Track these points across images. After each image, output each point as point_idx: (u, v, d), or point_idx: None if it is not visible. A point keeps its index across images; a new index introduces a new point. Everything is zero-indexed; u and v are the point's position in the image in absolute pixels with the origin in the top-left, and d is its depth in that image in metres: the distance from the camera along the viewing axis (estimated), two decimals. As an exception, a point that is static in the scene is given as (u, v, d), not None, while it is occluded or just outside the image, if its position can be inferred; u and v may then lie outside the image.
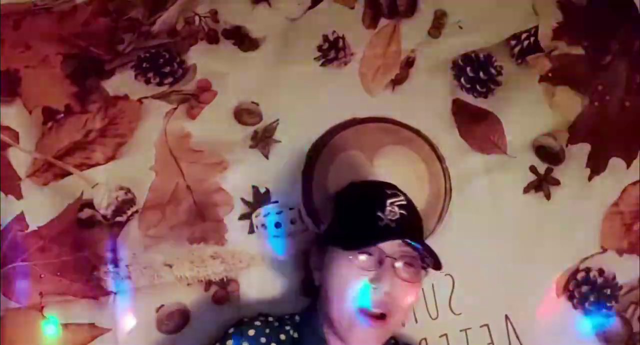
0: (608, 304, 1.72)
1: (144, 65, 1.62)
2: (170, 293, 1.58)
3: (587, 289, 1.70)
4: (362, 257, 1.32)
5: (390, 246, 1.33)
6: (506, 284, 1.67)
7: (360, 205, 1.40)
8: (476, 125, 1.73)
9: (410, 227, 1.37)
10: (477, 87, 1.74)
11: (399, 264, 1.33)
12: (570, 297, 1.70)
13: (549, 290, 1.70)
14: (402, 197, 1.39)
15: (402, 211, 1.36)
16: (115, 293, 1.56)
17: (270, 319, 1.43)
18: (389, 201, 1.36)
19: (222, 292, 1.60)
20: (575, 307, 1.70)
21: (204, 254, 1.60)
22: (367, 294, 1.31)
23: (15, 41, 1.59)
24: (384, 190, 1.40)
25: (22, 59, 1.58)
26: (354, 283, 1.32)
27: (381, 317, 1.31)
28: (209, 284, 1.60)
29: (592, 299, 1.70)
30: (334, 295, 1.35)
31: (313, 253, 1.46)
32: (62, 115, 1.58)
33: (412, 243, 1.33)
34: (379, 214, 1.34)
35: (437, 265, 1.35)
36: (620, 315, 1.73)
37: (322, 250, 1.40)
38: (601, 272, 1.72)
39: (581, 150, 1.75)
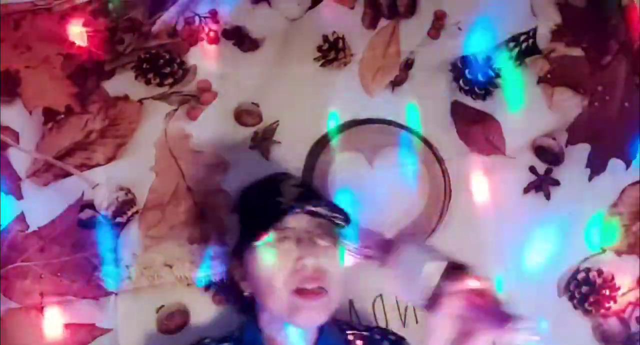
0: (606, 305, 1.73)
1: (144, 66, 1.61)
2: (171, 293, 1.58)
3: (587, 289, 1.71)
4: (280, 245, 1.32)
5: (301, 223, 1.34)
6: (506, 284, 1.68)
7: (259, 201, 1.41)
8: (475, 126, 1.73)
9: (311, 197, 1.40)
10: (476, 89, 1.74)
11: (316, 237, 1.34)
12: (571, 298, 1.71)
13: (550, 291, 1.71)
14: (295, 177, 1.44)
15: (300, 189, 1.39)
16: (115, 293, 1.56)
17: (207, 341, 1.42)
18: (282, 185, 1.39)
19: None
20: (576, 307, 1.71)
21: (204, 254, 1.60)
22: (296, 275, 1.31)
23: (15, 41, 1.58)
24: (275, 177, 1.44)
25: (23, 59, 1.58)
26: (280, 270, 1.31)
27: (319, 290, 1.31)
28: (209, 284, 1.60)
29: (591, 299, 1.71)
30: (266, 291, 1.34)
31: (233, 267, 1.44)
32: (62, 115, 1.58)
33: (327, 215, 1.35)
34: (278, 199, 1.35)
35: (347, 220, 1.38)
36: (619, 315, 1.74)
37: (241, 260, 1.39)
38: (600, 272, 1.73)
39: (581, 151, 1.76)
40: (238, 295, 1.43)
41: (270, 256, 1.33)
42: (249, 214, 1.44)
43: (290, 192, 1.37)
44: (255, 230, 1.34)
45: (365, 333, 1.47)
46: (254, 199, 1.45)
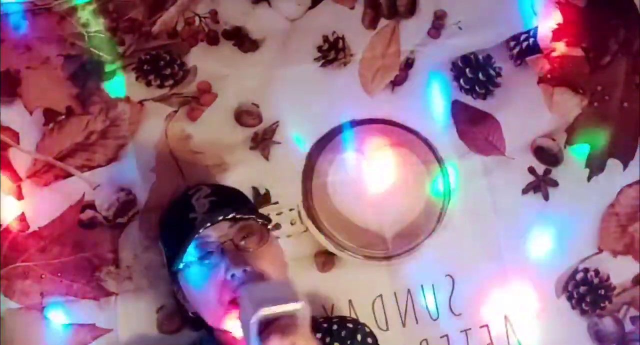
0: (602, 304, 1.74)
1: (145, 67, 1.61)
2: (171, 294, 1.59)
3: (585, 289, 1.72)
4: (206, 261, 1.31)
5: (221, 232, 1.31)
6: (506, 284, 1.69)
7: (173, 221, 1.41)
8: (475, 126, 1.73)
9: (223, 205, 1.36)
10: (476, 88, 1.74)
11: (242, 241, 1.32)
12: (570, 298, 1.72)
13: (549, 291, 1.72)
14: (205, 189, 1.41)
15: (211, 198, 1.37)
16: (116, 294, 1.56)
17: None
18: (193, 199, 1.37)
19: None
20: (573, 307, 1.72)
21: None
22: (228, 285, 1.28)
23: (15, 41, 1.57)
24: (186, 193, 1.42)
25: (23, 59, 1.57)
26: (211, 286, 1.29)
27: None
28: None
29: (588, 299, 1.72)
30: (204, 309, 1.34)
31: (175, 291, 1.43)
32: (63, 116, 1.57)
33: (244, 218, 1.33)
34: (191, 215, 1.34)
35: (267, 219, 1.39)
36: (613, 315, 1.75)
37: (178, 283, 1.39)
38: (597, 272, 1.74)
39: (580, 151, 1.76)
40: (187, 316, 1.43)
41: (198, 274, 1.32)
42: (167, 237, 1.42)
43: (201, 205, 1.35)
44: (176, 253, 1.32)
45: (324, 325, 1.45)
46: (168, 221, 1.44)
